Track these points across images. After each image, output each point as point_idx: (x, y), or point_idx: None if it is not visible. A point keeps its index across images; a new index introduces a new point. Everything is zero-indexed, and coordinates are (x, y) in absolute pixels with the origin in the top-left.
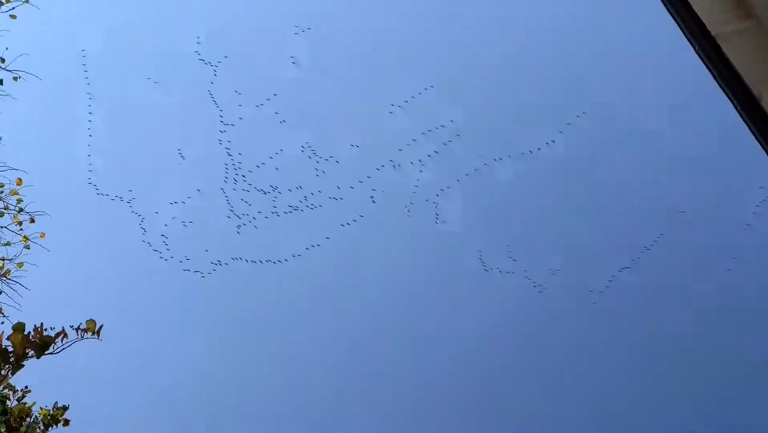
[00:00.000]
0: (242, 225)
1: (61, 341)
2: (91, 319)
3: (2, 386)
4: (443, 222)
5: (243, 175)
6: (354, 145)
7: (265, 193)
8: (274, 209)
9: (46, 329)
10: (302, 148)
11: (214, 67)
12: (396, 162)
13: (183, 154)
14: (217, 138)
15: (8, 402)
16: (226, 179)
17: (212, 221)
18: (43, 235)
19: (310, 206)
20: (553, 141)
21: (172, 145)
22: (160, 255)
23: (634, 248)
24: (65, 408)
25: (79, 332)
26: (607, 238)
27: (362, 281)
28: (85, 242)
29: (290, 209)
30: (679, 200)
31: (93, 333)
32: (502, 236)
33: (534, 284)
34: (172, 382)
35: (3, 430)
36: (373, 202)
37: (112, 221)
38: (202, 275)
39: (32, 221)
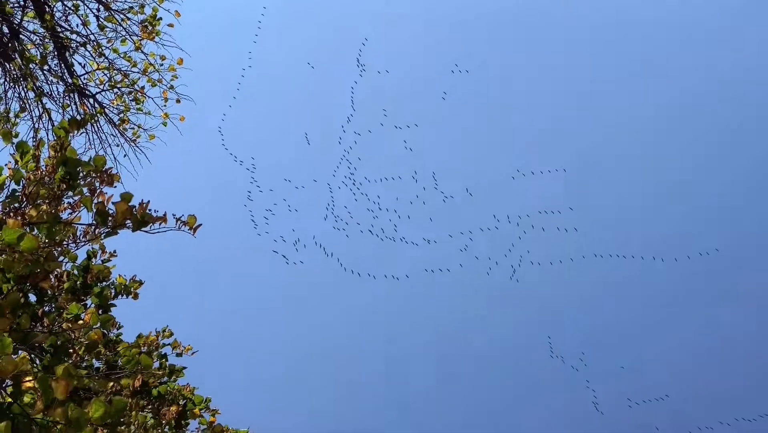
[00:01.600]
0: (338, 228)
1: (159, 225)
2: (192, 215)
3: (93, 244)
4: (517, 281)
5: (353, 182)
6: (469, 192)
7: (368, 208)
8: (371, 227)
9: (150, 209)
10: (414, 174)
11: (362, 70)
12: (498, 218)
13: (309, 139)
14: (339, 136)
15: (93, 260)
16: (334, 174)
17: (313, 213)
18: (182, 118)
19: (403, 239)
20: None
21: (302, 125)
22: (255, 226)
23: None
24: (140, 283)
25: (179, 222)
26: None
27: (409, 329)
28: (201, 174)
29: (384, 236)
30: None
31: (190, 228)
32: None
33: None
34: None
35: (80, 282)
36: (462, 251)
37: (230, 173)
38: (287, 261)
39: (178, 101)
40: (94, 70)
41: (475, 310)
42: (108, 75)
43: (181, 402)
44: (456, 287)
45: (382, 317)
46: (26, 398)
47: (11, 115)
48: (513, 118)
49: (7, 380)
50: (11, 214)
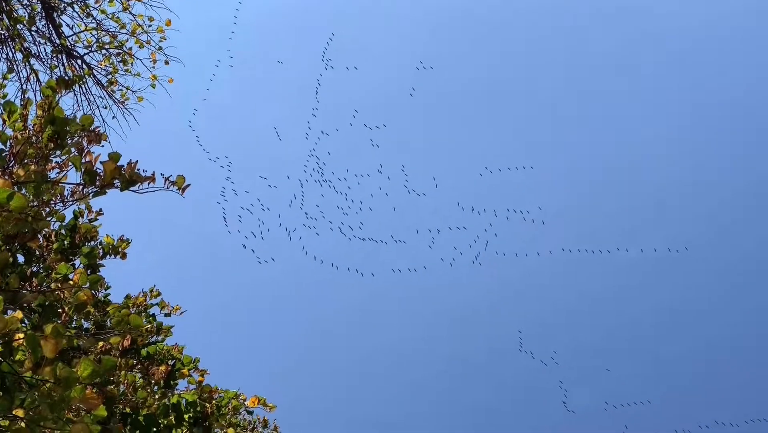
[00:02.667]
0: (310, 227)
1: (148, 184)
2: (181, 175)
3: (81, 203)
4: (479, 264)
5: (324, 179)
6: (436, 183)
7: (338, 206)
8: (341, 224)
9: (138, 169)
10: (379, 168)
11: (330, 66)
12: (466, 215)
13: (279, 134)
14: (306, 131)
15: (80, 219)
16: (304, 169)
17: (285, 209)
18: (171, 80)
19: (372, 238)
20: None
21: (272, 119)
22: (226, 225)
23: None
24: (128, 242)
25: (167, 182)
26: None
27: (370, 329)
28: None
29: (352, 236)
30: None
31: (179, 189)
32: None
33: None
34: None
35: (67, 242)
36: (429, 247)
37: (206, 172)
38: (259, 261)
39: (167, 63)
40: (82, 31)
41: (441, 304)
42: (96, 36)
43: (170, 362)
44: (423, 284)
45: (350, 312)
46: (18, 355)
47: None
48: (481, 116)
49: None
50: None
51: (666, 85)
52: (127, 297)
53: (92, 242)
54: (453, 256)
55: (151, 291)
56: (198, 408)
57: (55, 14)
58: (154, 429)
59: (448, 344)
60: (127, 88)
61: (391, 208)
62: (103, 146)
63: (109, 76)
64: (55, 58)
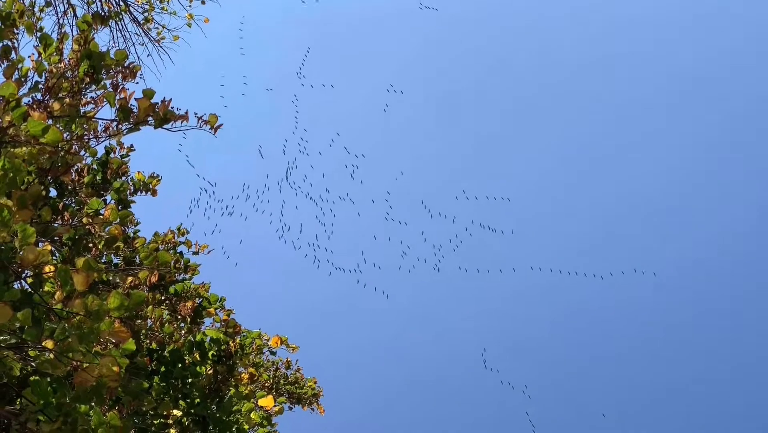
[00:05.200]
0: (282, 235)
1: (181, 123)
2: (214, 114)
3: (113, 139)
4: (438, 270)
5: (310, 197)
6: (391, 185)
7: (319, 219)
8: (317, 246)
9: (171, 107)
10: (355, 177)
11: (303, 81)
12: (434, 222)
13: (262, 153)
14: (282, 147)
15: (113, 154)
16: (287, 183)
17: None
18: (207, 20)
19: (340, 268)
20: None
21: (257, 138)
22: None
23: None
24: (159, 179)
25: (200, 121)
26: None
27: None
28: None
29: (331, 266)
30: None
31: (211, 127)
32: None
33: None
34: None
35: (99, 176)
36: (401, 258)
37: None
38: (229, 260)
39: (203, 2)
40: None
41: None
42: None
43: (197, 300)
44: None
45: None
46: (47, 287)
47: (36, 9)
48: (462, 141)
49: (27, 270)
50: (35, 107)
51: (643, 113)
52: (156, 234)
53: (123, 178)
54: (414, 265)
55: (179, 229)
56: (222, 346)
57: None
58: (180, 365)
59: (409, 366)
60: (163, 27)
61: (363, 229)
62: (137, 83)
63: (146, 14)
64: None
